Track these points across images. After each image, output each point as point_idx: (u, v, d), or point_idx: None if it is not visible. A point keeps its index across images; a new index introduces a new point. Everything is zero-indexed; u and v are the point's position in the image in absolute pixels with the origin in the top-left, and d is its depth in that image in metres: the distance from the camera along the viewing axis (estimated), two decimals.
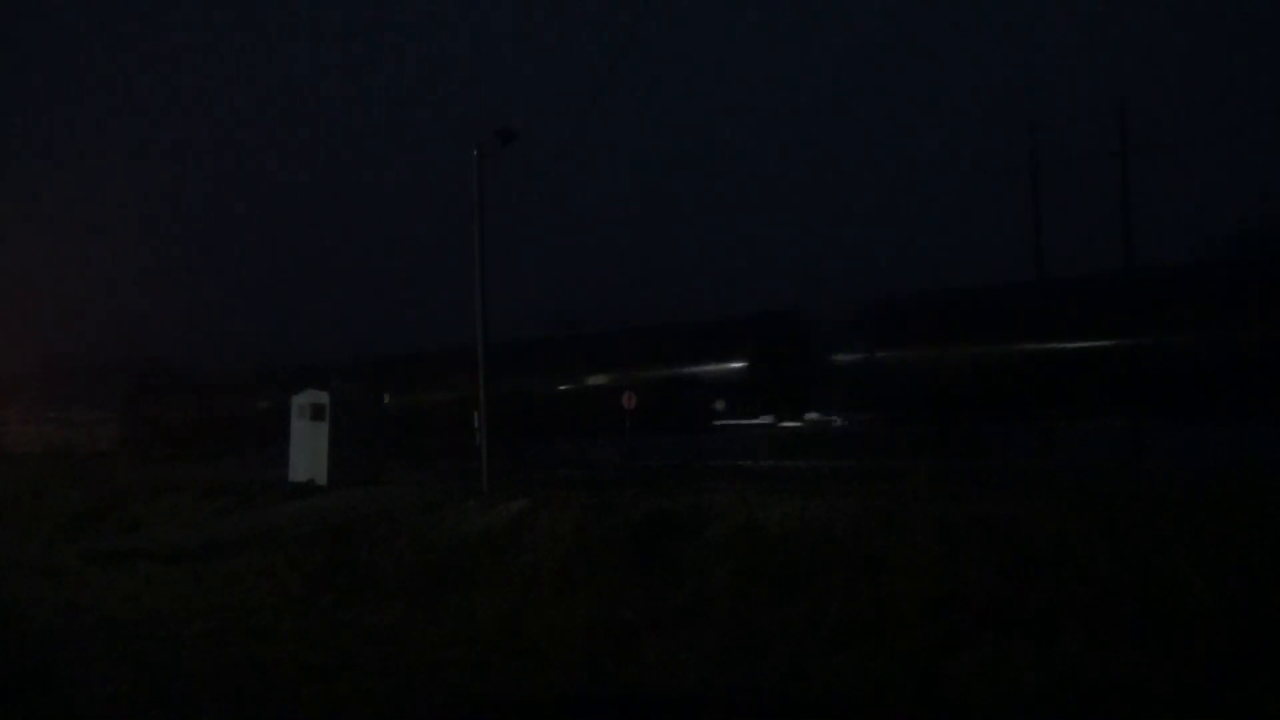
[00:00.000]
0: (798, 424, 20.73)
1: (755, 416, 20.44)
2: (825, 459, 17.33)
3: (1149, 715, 6.11)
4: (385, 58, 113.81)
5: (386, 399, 23.41)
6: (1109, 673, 6.51)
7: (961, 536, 8.76)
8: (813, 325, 20.95)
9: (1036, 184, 25.78)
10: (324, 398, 19.24)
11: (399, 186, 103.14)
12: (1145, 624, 6.96)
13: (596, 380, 22.50)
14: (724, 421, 20.64)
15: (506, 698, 7.59)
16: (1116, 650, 6.71)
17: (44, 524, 19.26)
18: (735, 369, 20.56)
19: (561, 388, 23.41)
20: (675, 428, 21.60)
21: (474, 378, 16.48)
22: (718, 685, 7.38)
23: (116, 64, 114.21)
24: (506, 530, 11.89)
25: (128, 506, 19.25)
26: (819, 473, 14.48)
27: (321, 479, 18.54)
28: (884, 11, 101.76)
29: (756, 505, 10.73)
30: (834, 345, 19.86)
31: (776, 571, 9.00)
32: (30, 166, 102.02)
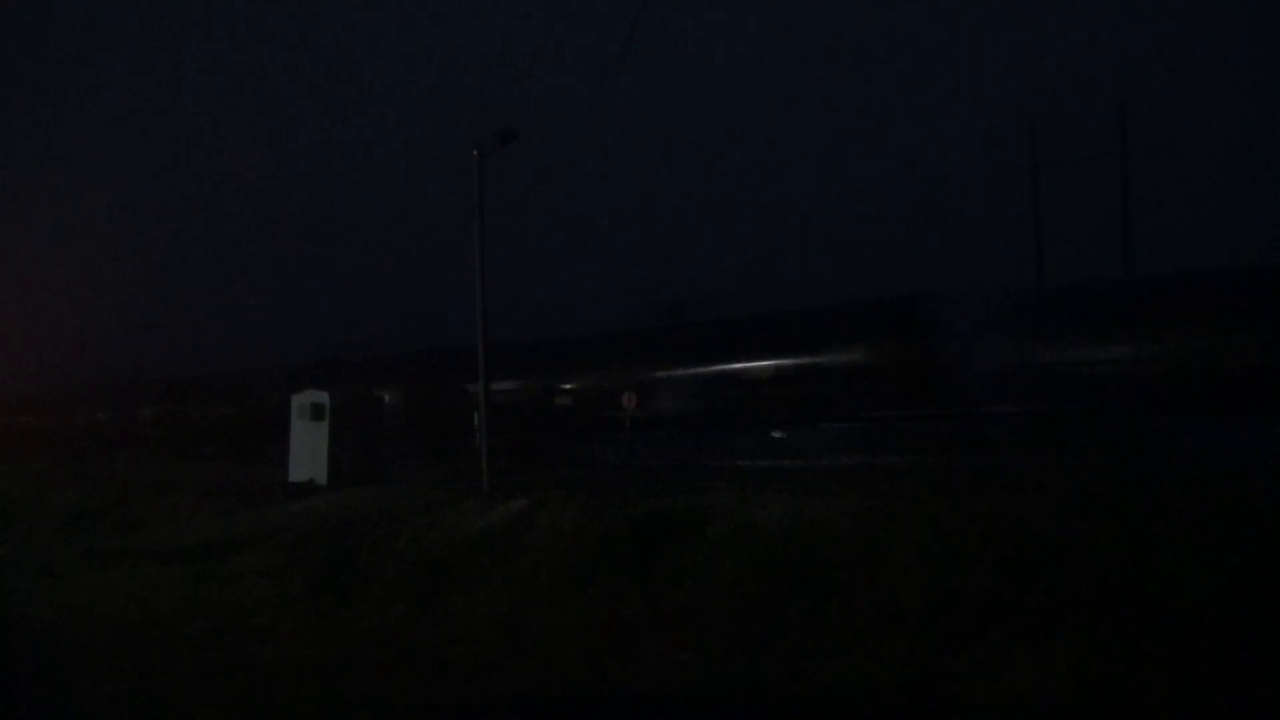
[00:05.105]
0: (926, 420, 18.84)
1: (873, 410, 18.94)
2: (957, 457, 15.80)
3: (1148, 716, 6.11)
4: (388, 54, 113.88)
5: (387, 398, 23.29)
6: (1108, 673, 6.52)
7: (963, 537, 8.74)
8: (939, 314, 19.06)
9: (1037, 185, 25.80)
10: (324, 398, 19.22)
11: (409, 184, 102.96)
12: (1144, 624, 6.96)
13: (681, 373, 20.70)
14: (836, 421, 19.39)
15: (506, 698, 7.60)
16: (1116, 650, 6.71)
17: (45, 524, 19.28)
18: (851, 360, 19.00)
19: (599, 385, 21.73)
20: (781, 424, 20.23)
21: (522, 376, 16.07)
22: (718, 685, 7.39)
23: (112, 63, 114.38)
24: (506, 530, 11.89)
25: (128, 506, 19.25)
26: (821, 471, 14.43)
27: (322, 479, 18.54)
28: (883, 10, 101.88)
29: (756, 505, 10.72)
30: (969, 337, 18.21)
31: (776, 571, 9.00)
32: (26, 168, 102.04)
